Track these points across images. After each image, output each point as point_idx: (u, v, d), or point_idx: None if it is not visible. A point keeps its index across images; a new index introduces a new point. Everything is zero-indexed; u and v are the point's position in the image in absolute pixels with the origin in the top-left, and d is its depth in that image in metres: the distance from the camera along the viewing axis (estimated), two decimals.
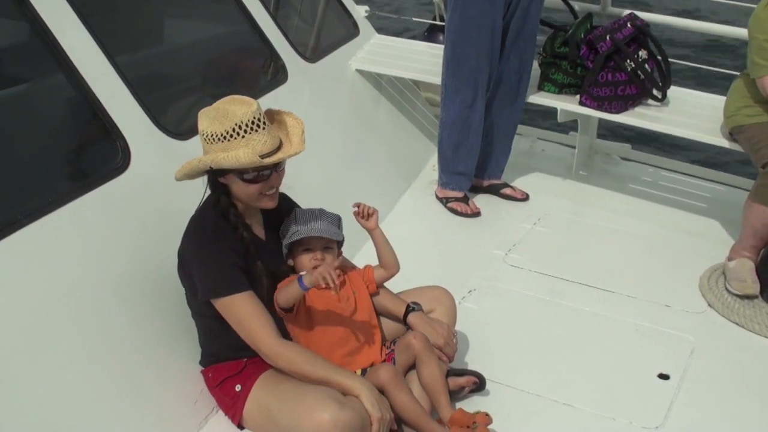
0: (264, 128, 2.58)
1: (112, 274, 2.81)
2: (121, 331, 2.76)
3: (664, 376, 3.16)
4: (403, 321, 2.95)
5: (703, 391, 3.09)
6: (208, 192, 2.72)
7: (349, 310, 2.86)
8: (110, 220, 2.88)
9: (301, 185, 2.97)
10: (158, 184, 3.01)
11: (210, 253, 2.64)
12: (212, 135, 2.57)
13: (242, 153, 2.53)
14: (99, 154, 3.09)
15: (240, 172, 2.61)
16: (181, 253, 2.71)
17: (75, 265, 2.72)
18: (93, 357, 2.65)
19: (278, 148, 2.64)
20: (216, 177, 2.66)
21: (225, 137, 2.55)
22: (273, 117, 2.73)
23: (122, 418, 2.65)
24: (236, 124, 2.53)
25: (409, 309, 2.94)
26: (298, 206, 2.96)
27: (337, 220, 2.91)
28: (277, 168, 2.67)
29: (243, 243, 2.68)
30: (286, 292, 2.71)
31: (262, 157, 2.56)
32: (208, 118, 2.59)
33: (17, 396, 2.41)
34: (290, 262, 2.87)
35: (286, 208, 2.88)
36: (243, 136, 2.54)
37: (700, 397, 3.06)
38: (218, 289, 2.63)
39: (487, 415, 2.71)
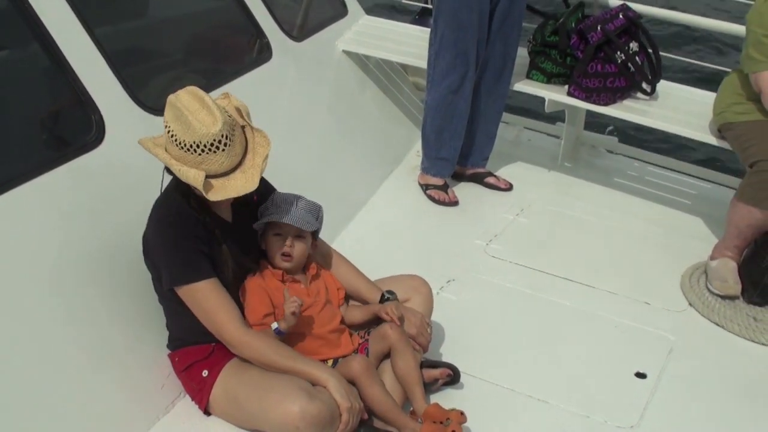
0: (224, 149, 2.46)
1: (81, 251, 2.74)
2: (88, 311, 2.70)
3: (641, 375, 3.12)
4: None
5: (680, 391, 3.06)
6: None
7: (320, 304, 2.81)
8: (82, 195, 2.81)
9: (282, 167, 2.91)
10: (133, 159, 2.93)
11: (173, 239, 2.57)
12: (172, 135, 2.46)
13: (192, 174, 2.44)
14: (72, 127, 3.02)
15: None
16: (145, 239, 2.65)
17: (43, 241, 2.65)
18: (56, 337, 2.59)
19: (239, 165, 2.53)
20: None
21: (181, 146, 2.44)
22: (242, 116, 2.59)
23: (86, 401, 2.59)
24: (194, 142, 2.43)
25: (384, 297, 2.88)
26: (274, 189, 2.88)
27: (316, 210, 2.83)
28: None
29: (206, 228, 2.60)
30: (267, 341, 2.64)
31: (215, 176, 2.47)
32: (172, 113, 2.46)
33: None
34: (262, 245, 2.81)
35: (259, 190, 2.80)
36: (199, 155, 2.44)
37: (676, 397, 3.03)
38: (181, 276, 2.56)
39: (462, 414, 2.65)
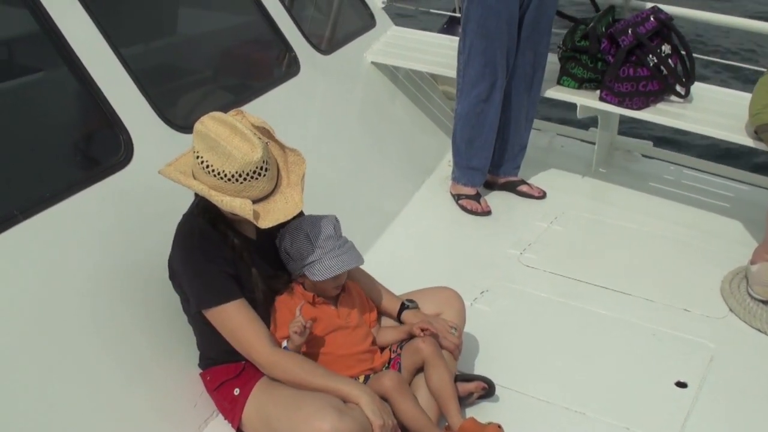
0: (265, 174, 2.42)
1: (112, 271, 2.74)
2: (119, 330, 2.69)
3: (681, 384, 3.04)
4: (398, 319, 2.88)
5: (722, 401, 2.98)
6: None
7: (351, 326, 2.76)
8: (111, 215, 2.81)
9: (313, 180, 2.88)
10: (162, 178, 2.92)
11: (197, 262, 2.55)
12: (207, 166, 2.40)
13: (238, 204, 2.38)
14: (101, 148, 3.03)
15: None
16: (171, 263, 2.63)
17: (73, 262, 2.65)
18: (90, 357, 2.58)
19: (275, 188, 2.50)
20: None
21: (220, 177, 2.38)
22: (271, 136, 2.56)
23: (119, 420, 2.58)
24: (237, 172, 2.37)
25: (403, 306, 2.85)
26: None
27: (340, 231, 2.74)
28: None
29: (235, 251, 2.58)
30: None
31: (258, 201, 2.44)
32: (205, 144, 2.40)
33: (11, 396, 2.35)
34: (300, 283, 2.74)
35: None
36: (241, 183, 2.39)
37: (719, 406, 2.95)
38: (208, 299, 2.55)
39: (499, 427, 2.60)
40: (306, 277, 2.69)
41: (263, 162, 2.40)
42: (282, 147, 2.57)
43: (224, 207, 2.42)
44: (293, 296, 2.73)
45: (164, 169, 2.53)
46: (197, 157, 2.42)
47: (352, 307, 2.80)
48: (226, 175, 2.38)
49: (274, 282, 2.70)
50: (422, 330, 2.76)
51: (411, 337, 2.81)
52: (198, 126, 2.42)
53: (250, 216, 2.38)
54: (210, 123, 2.41)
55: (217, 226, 2.56)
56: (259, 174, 2.40)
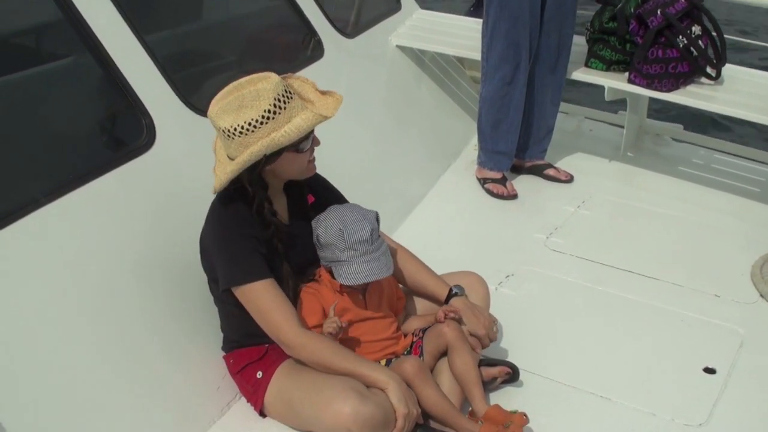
0: (293, 95, 2.47)
1: (135, 255, 2.74)
2: (143, 314, 2.70)
3: (710, 370, 2.99)
4: (445, 304, 2.83)
5: (752, 387, 2.92)
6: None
7: (377, 316, 2.74)
8: (134, 199, 2.82)
9: (338, 164, 2.88)
10: (184, 161, 2.94)
11: (230, 240, 2.54)
12: (251, 123, 2.39)
13: (301, 119, 2.42)
14: (124, 132, 3.03)
15: (296, 145, 2.49)
16: (202, 241, 2.63)
17: (96, 246, 2.66)
18: (113, 340, 2.60)
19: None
20: (264, 166, 2.50)
21: (268, 117, 2.40)
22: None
23: (144, 404, 2.60)
24: (275, 99, 2.39)
25: (451, 293, 2.82)
26: (326, 181, 2.84)
27: (378, 231, 2.69)
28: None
29: (274, 239, 2.58)
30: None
31: None
32: (230, 113, 2.41)
33: (35, 380, 2.37)
34: (328, 271, 2.70)
35: (315, 186, 2.78)
36: (284, 108, 2.41)
37: (748, 393, 2.90)
38: (237, 276, 2.53)
39: (525, 415, 2.57)
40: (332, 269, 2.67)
41: (284, 82, 2.44)
42: (286, 80, 2.57)
43: (292, 133, 2.41)
44: (320, 284, 2.71)
45: (216, 185, 2.54)
46: (235, 131, 2.41)
47: (380, 297, 2.77)
48: (268, 111, 2.40)
49: (301, 277, 2.69)
50: (445, 315, 2.73)
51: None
52: (212, 112, 2.46)
53: (315, 116, 2.42)
54: (218, 101, 2.46)
55: (263, 213, 2.56)
56: (290, 94, 2.44)
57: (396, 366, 2.62)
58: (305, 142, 2.52)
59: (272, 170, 2.55)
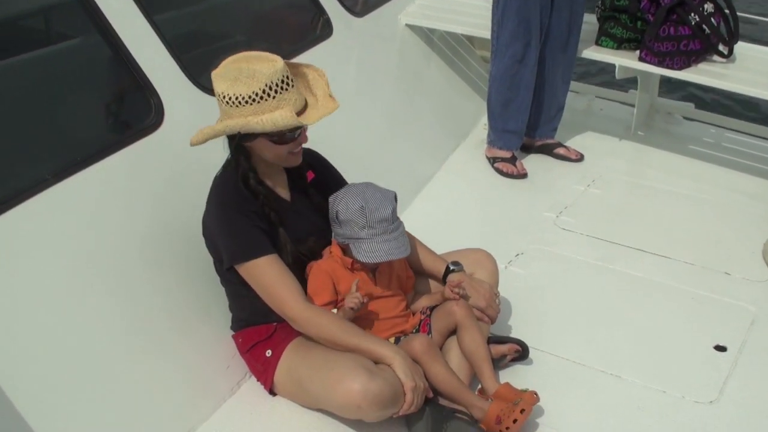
0: (293, 86, 2.45)
1: (144, 234, 2.75)
2: (151, 293, 2.71)
3: (721, 348, 2.99)
4: (443, 281, 2.83)
5: (763, 365, 2.91)
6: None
7: (388, 294, 2.74)
8: (142, 178, 2.82)
9: (348, 143, 2.87)
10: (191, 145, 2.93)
11: (230, 218, 2.54)
12: (237, 98, 2.41)
13: (279, 115, 2.40)
14: (132, 111, 3.03)
15: (270, 135, 2.48)
16: (205, 220, 2.63)
17: (106, 225, 2.67)
18: (122, 320, 2.61)
19: (306, 105, 2.51)
20: (240, 141, 2.52)
21: (254, 99, 2.40)
22: (292, 69, 2.56)
23: (152, 383, 2.61)
24: (266, 85, 2.39)
25: (448, 270, 2.81)
26: (325, 160, 2.84)
27: (396, 212, 2.69)
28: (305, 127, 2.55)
29: (265, 208, 2.57)
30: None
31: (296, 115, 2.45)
32: (227, 80, 2.43)
33: (46, 360, 2.38)
34: (341, 248, 2.69)
35: (315, 164, 2.77)
36: (274, 97, 2.41)
37: (758, 371, 2.89)
38: (240, 254, 2.54)
39: (535, 394, 2.57)
40: (348, 246, 2.65)
41: (287, 71, 2.42)
42: (300, 69, 2.57)
43: (266, 125, 2.41)
44: (331, 260, 2.70)
45: (197, 136, 2.54)
46: (224, 98, 2.44)
47: (389, 276, 2.76)
48: (257, 94, 2.39)
49: (299, 246, 2.66)
50: (451, 290, 2.73)
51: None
52: (214, 72, 2.47)
53: (293, 119, 2.40)
54: (225, 63, 2.47)
55: (248, 183, 2.56)
56: (288, 84, 2.42)
57: (405, 344, 2.63)
58: (286, 136, 2.49)
59: (251, 147, 2.55)
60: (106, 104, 3.05)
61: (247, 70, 2.40)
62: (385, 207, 2.61)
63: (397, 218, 2.67)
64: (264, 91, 2.40)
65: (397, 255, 2.63)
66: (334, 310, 2.60)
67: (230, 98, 2.42)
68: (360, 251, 2.60)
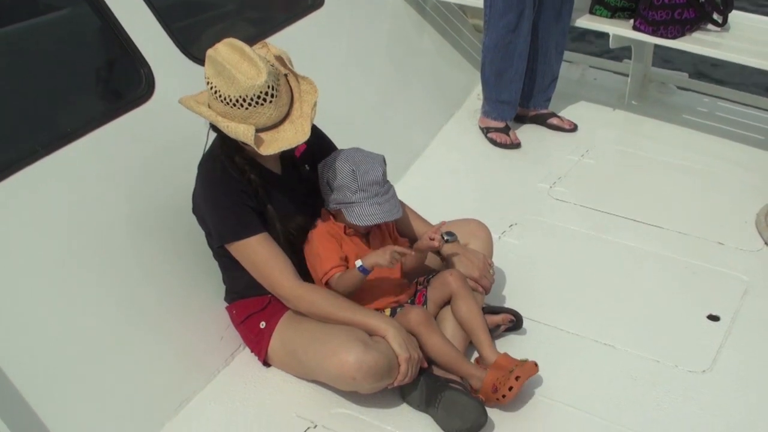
0: (271, 101, 2.37)
1: (135, 206, 2.74)
2: (143, 264, 2.70)
3: (713, 318, 2.99)
4: (437, 251, 2.82)
5: (755, 334, 2.92)
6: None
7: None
8: (133, 149, 2.81)
9: (340, 115, 2.85)
10: (184, 112, 2.88)
11: (219, 197, 2.53)
12: (215, 91, 2.37)
13: (242, 130, 2.35)
14: (122, 82, 3.01)
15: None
16: (194, 198, 2.62)
17: (97, 197, 2.66)
18: (115, 292, 2.60)
19: (286, 116, 2.44)
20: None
21: (226, 102, 2.36)
22: (284, 64, 2.50)
23: (146, 356, 2.61)
24: (240, 96, 2.33)
25: (443, 240, 2.79)
26: (324, 134, 2.80)
27: (385, 175, 2.67)
28: None
29: (253, 186, 2.54)
30: (348, 283, 2.58)
31: (264, 129, 2.39)
32: (214, 69, 2.38)
33: (37, 333, 2.38)
34: (332, 214, 2.69)
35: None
36: (246, 108, 2.35)
37: (751, 340, 2.90)
38: (229, 233, 2.53)
39: (535, 364, 2.57)
40: (340, 211, 2.65)
41: (268, 87, 2.35)
42: (296, 77, 2.52)
43: (229, 133, 2.38)
44: (327, 223, 2.69)
45: (183, 98, 2.50)
46: (208, 83, 2.41)
47: (382, 242, 2.75)
48: (231, 100, 2.35)
49: (288, 223, 2.62)
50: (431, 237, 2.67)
51: (435, 272, 2.78)
52: (210, 51, 2.40)
53: (251, 141, 2.34)
54: (222, 48, 2.39)
55: (235, 161, 2.53)
56: (264, 100, 2.36)
57: (401, 316, 2.63)
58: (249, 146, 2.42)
59: None
60: (96, 75, 3.02)
61: (229, 72, 2.33)
62: (375, 170, 2.60)
63: (387, 181, 2.66)
64: (237, 101, 2.35)
65: (390, 217, 2.63)
66: (359, 261, 2.56)
67: (211, 87, 2.40)
68: (352, 215, 2.59)
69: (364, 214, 2.58)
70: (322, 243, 2.64)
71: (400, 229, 2.85)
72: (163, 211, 2.79)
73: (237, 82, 2.33)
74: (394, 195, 2.67)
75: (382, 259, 2.54)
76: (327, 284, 2.61)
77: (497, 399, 2.50)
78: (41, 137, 2.59)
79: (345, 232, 2.68)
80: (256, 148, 2.37)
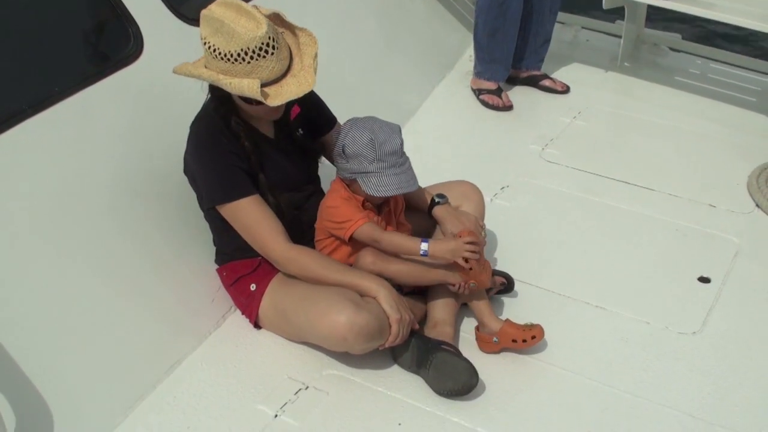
0: (273, 53, 2.33)
1: (124, 167, 2.72)
2: (134, 225, 2.68)
3: (704, 279, 3.00)
4: (428, 214, 2.80)
5: (746, 296, 2.93)
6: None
7: (391, 227, 2.70)
8: (122, 109, 2.78)
9: (331, 75, 2.80)
10: (173, 71, 2.87)
11: (210, 158, 2.50)
12: (214, 50, 2.33)
13: (246, 84, 2.31)
14: (110, 41, 2.96)
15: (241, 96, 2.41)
16: (186, 159, 2.59)
17: (84, 158, 2.64)
18: (104, 254, 2.58)
19: (287, 70, 2.40)
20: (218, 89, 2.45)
21: (228, 58, 2.31)
22: (283, 23, 2.47)
23: (137, 318, 2.60)
24: (242, 50, 2.29)
25: (434, 202, 2.79)
26: (319, 98, 2.77)
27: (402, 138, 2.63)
28: None
29: (247, 149, 2.51)
30: (396, 242, 2.57)
31: (269, 84, 2.35)
32: (210, 28, 2.33)
33: (25, 300, 2.37)
34: (347, 184, 2.63)
35: (303, 99, 2.69)
36: (248, 62, 2.31)
37: (742, 301, 2.91)
38: (220, 194, 2.51)
39: (542, 328, 2.60)
40: (354, 181, 2.59)
41: (269, 38, 2.31)
42: (293, 30, 2.47)
43: (233, 89, 2.35)
44: (345, 191, 2.63)
45: (177, 67, 2.46)
46: (205, 44, 2.36)
47: (388, 221, 2.71)
48: (232, 55, 2.31)
49: (277, 195, 2.58)
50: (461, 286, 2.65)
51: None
52: (204, 11, 2.36)
53: (257, 94, 2.31)
54: (216, 8, 2.35)
55: (229, 122, 2.50)
56: (266, 51, 2.32)
57: (356, 261, 2.60)
58: (256, 101, 2.39)
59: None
60: (84, 34, 2.97)
61: (228, 27, 2.29)
62: (393, 139, 2.55)
63: (404, 152, 2.62)
64: (239, 55, 2.30)
65: (407, 189, 2.58)
66: (424, 246, 2.54)
67: (209, 46, 2.35)
68: (369, 185, 2.54)
69: (381, 185, 2.53)
70: (344, 207, 2.60)
71: (406, 197, 2.81)
72: (153, 171, 2.76)
73: (237, 35, 2.28)
74: (411, 167, 2.62)
75: (450, 254, 2.54)
76: (351, 237, 2.57)
77: (524, 341, 2.59)
78: (29, 97, 2.55)
79: (363, 205, 2.64)
80: (263, 100, 2.33)
